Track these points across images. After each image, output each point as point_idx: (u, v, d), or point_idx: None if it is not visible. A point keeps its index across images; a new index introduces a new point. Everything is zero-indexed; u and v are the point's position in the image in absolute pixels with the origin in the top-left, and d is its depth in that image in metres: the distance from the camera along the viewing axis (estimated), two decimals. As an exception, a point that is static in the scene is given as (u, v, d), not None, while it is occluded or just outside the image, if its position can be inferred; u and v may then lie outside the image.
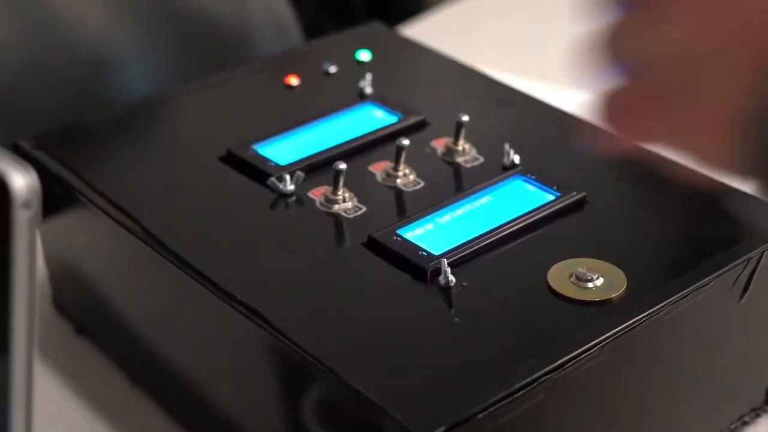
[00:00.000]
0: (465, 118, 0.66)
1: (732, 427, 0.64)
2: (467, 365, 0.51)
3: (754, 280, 0.59)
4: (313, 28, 1.04)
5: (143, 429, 0.66)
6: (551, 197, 0.62)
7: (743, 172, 0.44)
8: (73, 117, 0.72)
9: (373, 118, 0.71)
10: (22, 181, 0.38)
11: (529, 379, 0.50)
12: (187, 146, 0.69)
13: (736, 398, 0.64)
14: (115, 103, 0.88)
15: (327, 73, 0.76)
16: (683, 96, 0.44)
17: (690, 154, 0.45)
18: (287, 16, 1.01)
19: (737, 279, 0.58)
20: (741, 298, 0.59)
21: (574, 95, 0.54)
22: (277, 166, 0.65)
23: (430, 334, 0.54)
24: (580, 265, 0.56)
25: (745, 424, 0.65)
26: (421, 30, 1.03)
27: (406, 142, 0.64)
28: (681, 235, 0.60)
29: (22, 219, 0.38)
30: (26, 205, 0.38)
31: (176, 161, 0.68)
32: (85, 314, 0.72)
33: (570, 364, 0.51)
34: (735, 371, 0.63)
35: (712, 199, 0.63)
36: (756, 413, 0.65)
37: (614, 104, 0.46)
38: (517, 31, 1.07)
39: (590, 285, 0.55)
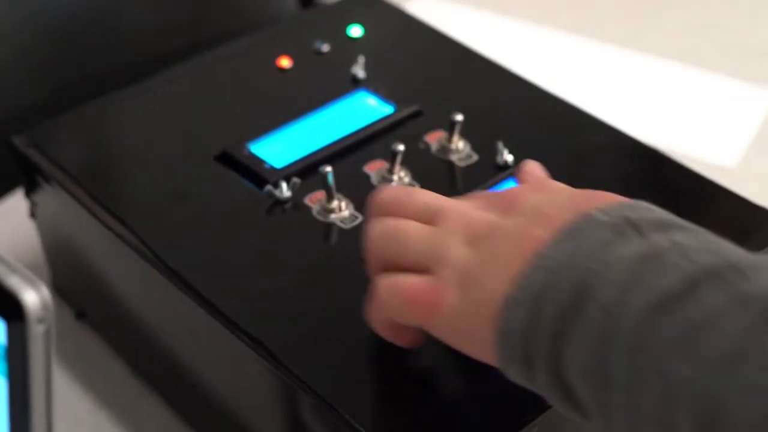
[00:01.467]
0: (459, 117, 0.66)
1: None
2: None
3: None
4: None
5: (146, 420, 0.68)
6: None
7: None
8: (66, 109, 0.71)
9: (367, 108, 0.71)
10: (35, 298, 0.38)
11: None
12: (182, 142, 0.69)
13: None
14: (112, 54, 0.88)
15: (319, 53, 0.76)
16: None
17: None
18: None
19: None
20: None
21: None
22: (273, 169, 0.65)
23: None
24: None
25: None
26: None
27: (401, 147, 0.64)
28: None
29: (37, 334, 0.39)
30: (40, 320, 0.39)
31: (171, 160, 0.68)
32: (85, 299, 0.73)
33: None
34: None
35: (705, 204, 0.64)
36: None
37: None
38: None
39: None
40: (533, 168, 0.58)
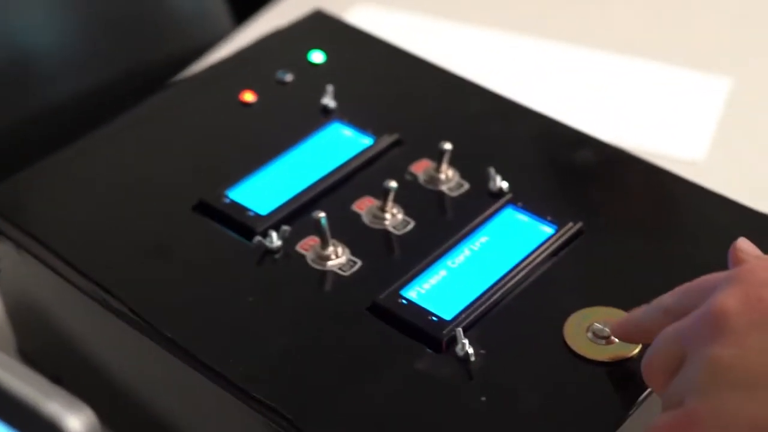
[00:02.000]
0: (448, 146, 0.63)
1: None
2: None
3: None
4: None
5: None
6: (548, 230, 0.61)
7: None
8: (21, 165, 0.67)
9: (344, 140, 0.67)
10: (78, 425, 0.35)
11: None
12: (153, 192, 0.65)
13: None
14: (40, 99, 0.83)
15: (282, 83, 0.72)
16: None
17: None
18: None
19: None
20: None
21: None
22: (258, 216, 0.62)
23: (457, 418, 0.52)
24: (594, 317, 0.55)
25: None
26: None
27: (393, 184, 0.61)
28: (686, 267, 0.59)
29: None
30: (86, 448, 0.35)
31: (144, 214, 0.63)
32: (59, 364, 0.68)
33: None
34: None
35: (706, 214, 0.63)
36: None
37: None
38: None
39: (607, 342, 0.54)
40: (748, 246, 0.52)
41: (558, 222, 0.61)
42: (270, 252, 0.60)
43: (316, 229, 0.59)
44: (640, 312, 0.52)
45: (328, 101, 0.69)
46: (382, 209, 0.62)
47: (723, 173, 0.83)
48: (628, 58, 0.95)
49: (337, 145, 0.67)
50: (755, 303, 0.45)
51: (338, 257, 0.59)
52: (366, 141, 0.67)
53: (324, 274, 0.59)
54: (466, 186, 0.64)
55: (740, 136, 0.88)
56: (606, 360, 0.54)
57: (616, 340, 0.54)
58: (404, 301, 0.57)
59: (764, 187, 0.82)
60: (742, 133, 0.88)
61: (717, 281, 0.48)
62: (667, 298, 0.51)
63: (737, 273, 0.47)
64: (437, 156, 0.64)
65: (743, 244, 0.52)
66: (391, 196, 0.61)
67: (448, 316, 0.56)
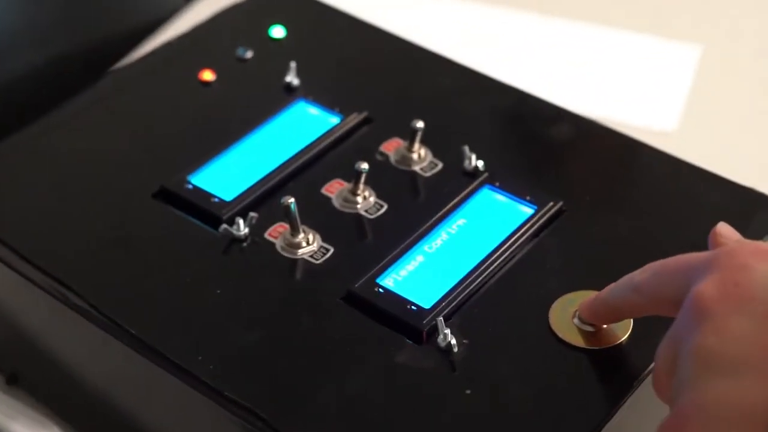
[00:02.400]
0: (420, 124, 0.61)
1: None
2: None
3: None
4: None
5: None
6: (528, 211, 0.58)
7: None
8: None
9: (311, 119, 0.64)
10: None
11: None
12: (111, 179, 0.61)
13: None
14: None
15: (243, 60, 0.69)
16: None
17: None
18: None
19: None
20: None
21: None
22: (222, 202, 0.59)
23: (441, 413, 0.49)
24: (580, 301, 0.53)
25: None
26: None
27: (365, 166, 0.58)
28: (669, 244, 0.57)
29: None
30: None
31: (102, 203, 0.60)
32: (16, 362, 0.65)
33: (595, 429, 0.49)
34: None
35: (687, 188, 0.60)
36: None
37: None
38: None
39: (595, 328, 0.52)
40: (728, 231, 0.49)
41: (537, 201, 0.58)
42: (237, 240, 0.57)
43: (285, 215, 0.56)
44: (607, 290, 0.50)
45: (292, 78, 0.66)
46: (354, 192, 0.59)
47: (695, 143, 0.81)
48: (597, 28, 0.92)
49: (303, 124, 0.64)
50: (731, 288, 0.43)
51: (309, 244, 0.56)
52: (333, 120, 0.64)
53: (295, 262, 0.56)
54: (440, 165, 0.61)
55: (711, 105, 0.86)
56: (594, 347, 0.51)
57: (605, 326, 0.52)
58: (381, 290, 0.54)
59: (736, 156, 0.80)
60: (713, 102, 0.86)
61: (693, 262, 0.45)
62: (637, 276, 0.48)
63: (715, 257, 0.45)
64: (409, 134, 0.61)
65: (723, 228, 0.49)
66: (362, 179, 0.58)
67: (427, 305, 0.53)
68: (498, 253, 0.56)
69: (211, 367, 0.51)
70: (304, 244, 0.56)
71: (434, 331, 0.52)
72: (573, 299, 0.53)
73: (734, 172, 0.62)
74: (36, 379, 0.64)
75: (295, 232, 0.56)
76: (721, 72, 0.88)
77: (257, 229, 0.57)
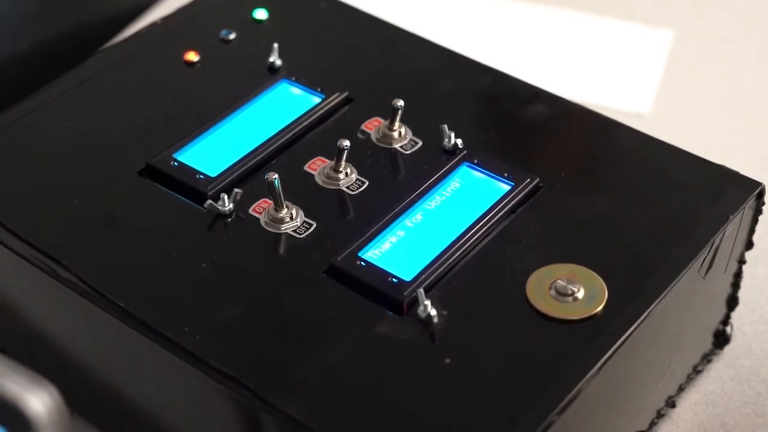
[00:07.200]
0: (400, 103, 0.62)
1: (690, 377, 0.65)
2: (471, 418, 0.49)
3: (717, 255, 0.58)
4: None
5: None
6: (505, 187, 0.60)
7: None
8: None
9: (293, 99, 0.66)
10: (40, 405, 0.33)
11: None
12: (96, 158, 0.63)
13: (691, 352, 0.65)
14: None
15: (226, 41, 0.70)
16: None
17: None
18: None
19: (704, 260, 0.57)
20: (705, 274, 0.59)
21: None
22: (208, 178, 0.60)
23: (420, 381, 0.51)
24: (557, 274, 0.55)
25: (699, 372, 0.66)
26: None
27: (346, 143, 0.59)
28: (643, 219, 0.58)
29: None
30: (50, 427, 0.33)
31: (87, 181, 0.61)
32: (3, 336, 0.66)
33: (572, 399, 0.50)
34: (694, 332, 0.64)
35: (662, 167, 0.62)
36: (707, 359, 0.66)
37: None
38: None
39: (572, 299, 0.54)
40: None
41: (515, 178, 0.60)
42: (222, 216, 0.58)
43: (269, 191, 0.57)
44: None
45: (275, 59, 0.68)
46: (336, 169, 0.60)
47: (669, 125, 0.83)
48: (572, 14, 0.94)
49: (286, 104, 0.65)
50: None
51: (293, 220, 0.58)
52: (315, 99, 0.65)
53: (278, 237, 0.57)
54: (420, 144, 0.63)
55: (685, 88, 0.87)
56: (571, 318, 0.53)
57: (580, 297, 0.54)
58: (362, 263, 0.55)
59: (709, 138, 0.82)
60: (687, 85, 0.88)
61: None
62: None
63: None
64: (389, 113, 0.63)
65: None
66: (344, 156, 0.60)
67: (408, 277, 0.54)
68: (477, 228, 0.57)
69: (197, 338, 0.52)
70: (287, 219, 0.58)
71: (415, 302, 0.53)
72: (549, 272, 0.55)
73: (706, 150, 0.64)
74: (23, 353, 0.65)
75: (278, 207, 0.58)
76: (691, 56, 0.90)
77: (242, 205, 0.59)
